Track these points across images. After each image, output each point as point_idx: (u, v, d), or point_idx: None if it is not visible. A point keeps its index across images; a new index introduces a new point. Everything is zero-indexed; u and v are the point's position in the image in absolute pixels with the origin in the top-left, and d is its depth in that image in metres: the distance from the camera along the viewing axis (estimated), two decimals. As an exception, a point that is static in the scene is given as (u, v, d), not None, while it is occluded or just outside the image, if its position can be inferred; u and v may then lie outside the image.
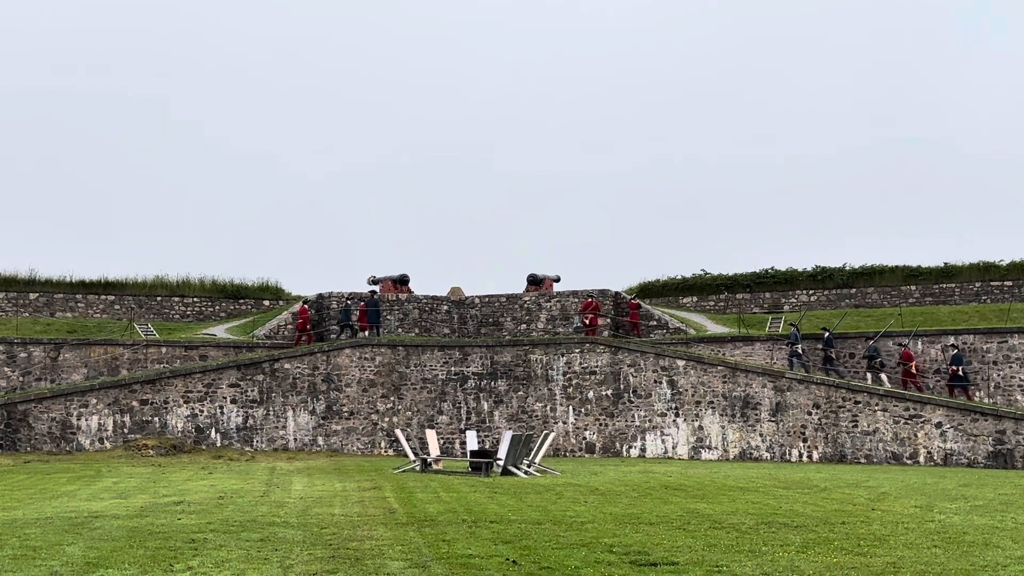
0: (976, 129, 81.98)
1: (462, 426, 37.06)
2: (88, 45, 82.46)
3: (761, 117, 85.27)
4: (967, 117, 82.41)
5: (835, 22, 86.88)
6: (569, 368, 37.08)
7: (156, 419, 34.77)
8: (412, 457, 28.13)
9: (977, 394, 34.37)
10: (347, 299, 39.78)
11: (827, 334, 35.82)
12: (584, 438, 36.61)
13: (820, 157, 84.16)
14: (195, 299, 42.09)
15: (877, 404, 33.23)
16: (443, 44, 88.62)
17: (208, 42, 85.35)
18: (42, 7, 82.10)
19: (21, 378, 35.22)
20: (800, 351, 35.25)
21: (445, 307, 41.52)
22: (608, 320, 39.48)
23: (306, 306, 39.36)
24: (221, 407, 35.49)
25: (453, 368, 37.74)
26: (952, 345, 34.84)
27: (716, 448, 35.11)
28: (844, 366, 36.01)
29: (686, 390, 35.68)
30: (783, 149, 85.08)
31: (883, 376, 34.73)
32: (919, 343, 35.43)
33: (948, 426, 32.34)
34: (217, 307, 42.49)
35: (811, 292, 42.82)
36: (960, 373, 34.12)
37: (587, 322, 38.33)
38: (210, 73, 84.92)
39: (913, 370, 34.39)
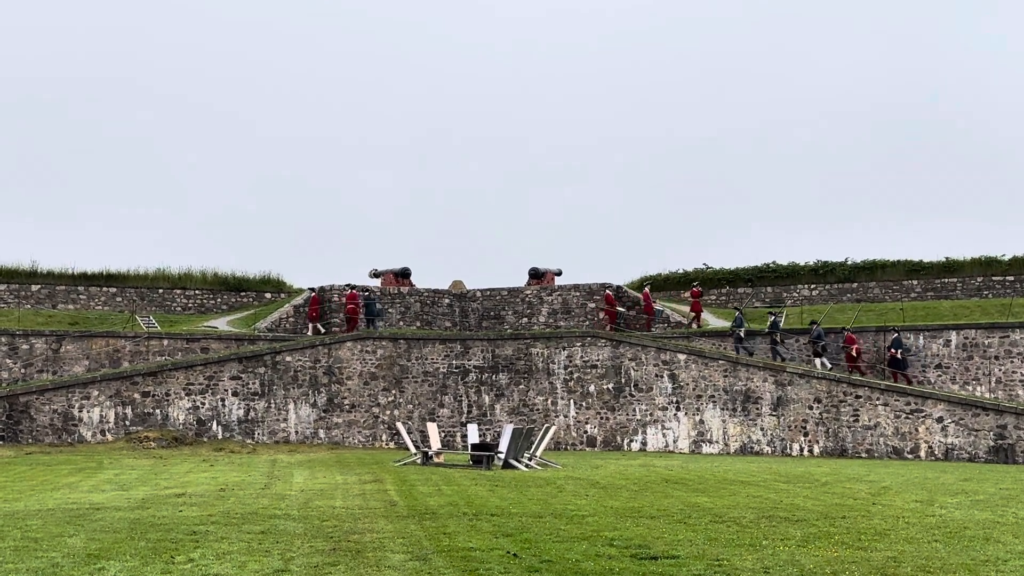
0: (980, 123, 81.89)
1: (463, 419, 37.08)
2: (93, 34, 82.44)
3: (762, 113, 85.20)
4: (970, 111, 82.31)
5: (832, 23, 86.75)
6: (570, 361, 37.09)
7: (158, 411, 34.80)
8: (413, 450, 28.15)
9: (980, 388, 34.36)
10: (366, 291, 39.84)
11: (774, 318, 36.65)
12: (585, 432, 36.62)
13: (821, 152, 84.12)
14: (197, 291, 42.06)
15: (878, 399, 33.23)
16: (441, 41, 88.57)
17: (213, 33, 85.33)
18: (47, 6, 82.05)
19: (23, 370, 35.24)
20: (742, 335, 36.06)
21: (447, 300, 41.52)
22: (632, 312, 39.69)
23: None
24: (223, 399, 35.52)
25: (454, 361, 37.75)
26: (893, 329, 35.33)
27: (717, 442, 35.12)
28: (787, 349, 36.44)
29: (687, 384, 35.68)
30: (785, 144, 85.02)
31: (821, 361, 35.20)
32: (920, 337, 35.42)
33: (949, 421, 32.34)
34: (219, 299, 42.47)
35: (812, 286, 42.80)
36: (898, 356, 34.55)
37: (606, 313, 38.77)
38: (215, 64, 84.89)
39: (854, 354, 34.93)
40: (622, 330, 38.80)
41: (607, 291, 39.79)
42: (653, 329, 38.62)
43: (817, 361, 35.28)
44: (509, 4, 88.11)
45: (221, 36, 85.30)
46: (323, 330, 38.74)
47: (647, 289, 40.30)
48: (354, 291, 39.29)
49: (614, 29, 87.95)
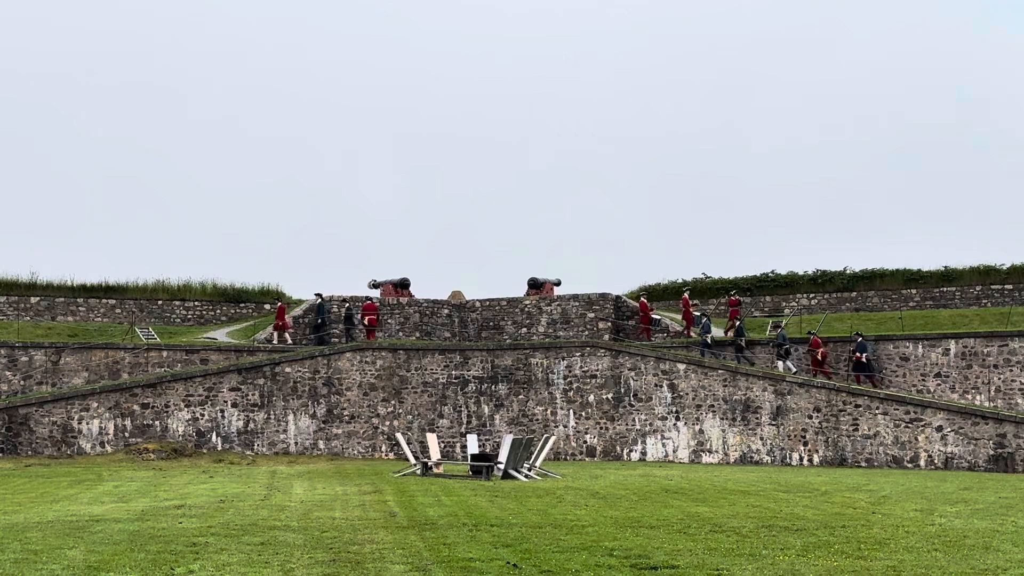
0: (980, 131, 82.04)
1: (463, 430, 37.05)
2: (93, 38, 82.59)
3: (761, 123, 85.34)
4: (969, 120, 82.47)
5: (832, 30, 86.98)
6: (570, 372, 37.08)
7: (157, 423, 34.78)
8: (413, 461, 28.13)
9: (980, 397, 34.36)
10: (346, 303, 39.85)
11: (738, 324, 37.26)
12: (585, 442, 36.60)
13: (820, 160, 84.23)
14: (196, 303, 42.09)
15: (878, 408, 33.23)
16: (442, 49, 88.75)
17: (218, 41, 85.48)
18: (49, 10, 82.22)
19: (22, 382, 35.23)
20: (708, 341, 36.54)
21: (446, 311, 41.53)
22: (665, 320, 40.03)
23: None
24: (222, 411, 35.51)
25: (454, 372, 37.75)
26: (858, 334, 35.58)
27: (716, 452, 35.10)
28: (754, 354, 36.87)
29: (687, 394, 35.68)
30: (784, 154, 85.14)
31: (784, 364, 35.72)
32: (919, 346, 35.43)
33: (949, 429, 32.33)
34: (218, 311, 42.50)
35: (812, 296, 42.86)
36: (864, 360, 34.79)
37: (641, 320, 39.22)
38: (219, 75, 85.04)
39: (819, 357, 35.23)
40: (622, 340, 38.82)
41: (641, 299, 40.03)
42: (653, 339, 38.71)
43: (780, 364, 35.78)
44: (512, 2, 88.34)
45: (220, 42, 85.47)
46: (289, 340, 38.62)
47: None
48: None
49: (615, 34, 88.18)
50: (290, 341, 38.61)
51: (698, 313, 38.57)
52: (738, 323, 37.45)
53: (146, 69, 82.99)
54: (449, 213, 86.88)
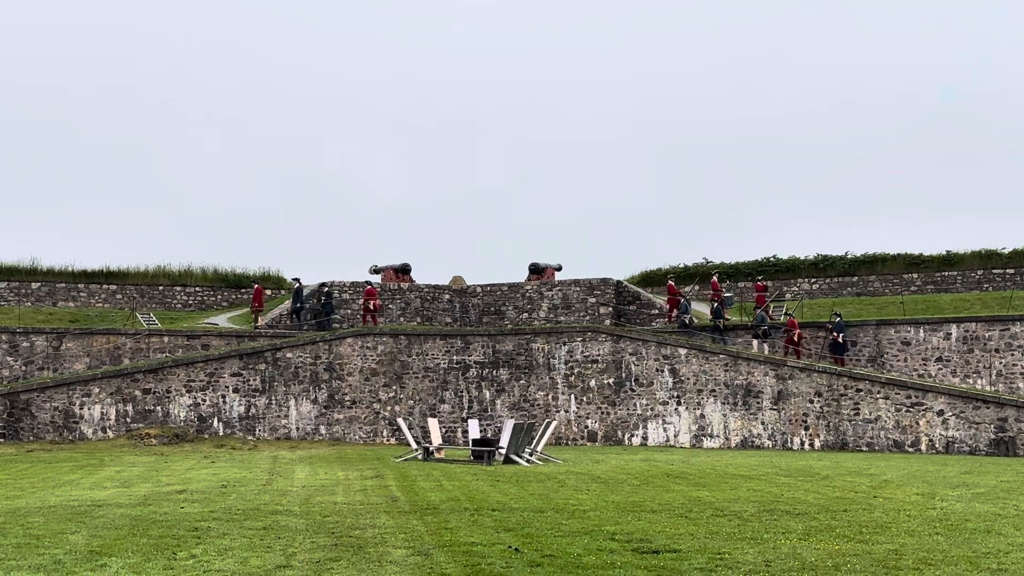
0: (980, 116, 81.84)
1: (464, 415, 37.10)
2: (90, 34, 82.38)
3: (761, 108, 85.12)
4: (970, 104, 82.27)
5: (834, 20, 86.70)
6: (571, 357, 37.09)
7: (159, 408, 34.82)
8: (414, 446, 28.16)
9: (981, 381, 34.36)
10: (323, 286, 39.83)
11: (716, 305, 37.83)
12: (586, 426, 36.63)
13: (821, 144, 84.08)
14: (197, 288, 42.08)
15: (879, 392, 33.24)
16: (442, 38, 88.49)
17: (209, 27, 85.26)
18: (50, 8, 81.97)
19: (24, 367, 35.26)
20: (688, 321, 37.24)
21: (447, 296, 41.52)
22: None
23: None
24: (223, 396, 35.53)
25: (455, 357, 37.76)
26: (836, 314, 35.95)
27: (718, 436, 35.14)
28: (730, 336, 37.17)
29: (688, 378, 35.69)
30: (784, 137, 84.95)
31: (758, 343, 36.11)
32: (921, 330, 35.40)
33: (950, 414, 32.34)
34: (219, 296, 42.49)
35: (813, 280, 42.81)
36: (839, 341, 35.14)
37: (668, 303, 39.18)
38: (213, 59, 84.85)
39: (796, 338, 35.62)
40: (623, 325, 38.78)
41: (669, 281, 40.04)
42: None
43: (755, 343, 36.22)
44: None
45: (217, 30, 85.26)
46: (262, 322, 38.43)
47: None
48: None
49: (614, 20, 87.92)
50: (266, 323, 38.40)
51: (682, 298, 38.69)
52: (718, 305, 37.76)
53: (146, 62, 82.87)
54: (450, 199, 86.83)
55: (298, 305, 39.02)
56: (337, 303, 39.84)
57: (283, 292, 42.76)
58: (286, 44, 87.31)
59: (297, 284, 39.57)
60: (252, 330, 37.51)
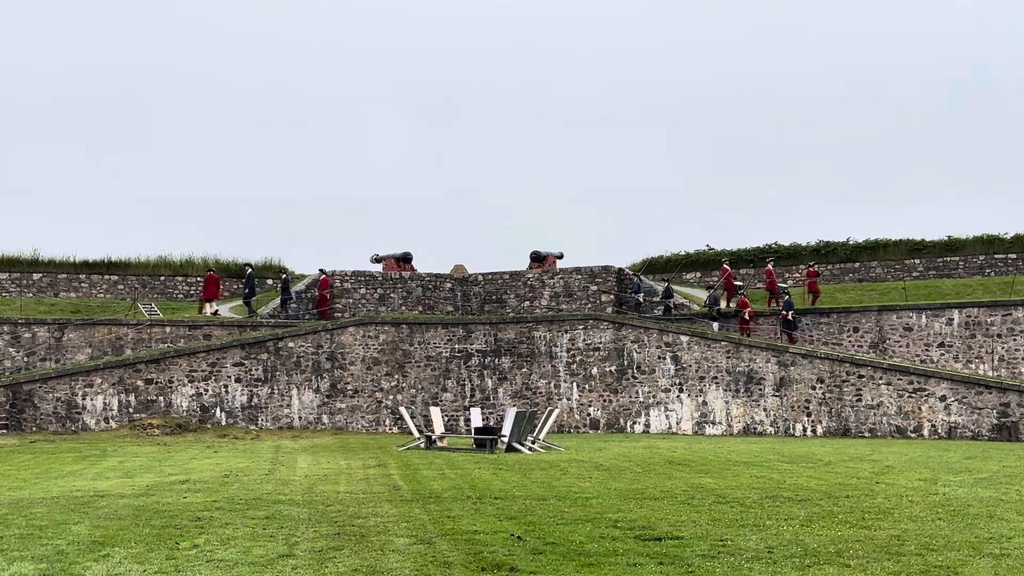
0: (983, 101, 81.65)
1: (466, 403, 37.12)
2: (91, 24, 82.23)
3: (764, 94, 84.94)
4: (973, 90, 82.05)
5: (841, 4, 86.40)
6: (573, 344, 37.08)
7: (161, 398, 34.84)
8: (416, 434, 28.18)
9: (983, 366, 34.35)
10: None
11: (667, 285, 38.97)
12: (588, 414, 36.65)
13: (823, 132, 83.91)
14: (199, 278, 42.04)
15: (881, 378, 33.23)
16: (441, 32, 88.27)
17: (212, 35, 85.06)
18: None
19: (26, 358, 35.27)
20: (640, 300, 38.49)
21: (448, 285, 41.50)
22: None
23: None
24: (226, 386, 35.55)
25: (457, 346, 37.76)
26: (785, 291, 36.98)
27: (720, 423, 35.15)
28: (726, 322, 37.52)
29: (690, 366, 35.68)
30: (787, 125, 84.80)
31: (715, 325, 36.84)
32: (923, 316, 35.37)
33: (952, 399, 32.34)
34: (220, 286, 42.41)
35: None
36: (790, 318, 35.72)
37: (726, 288, 39.47)
38: (212, 48, 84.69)
39: (747, 317, 36.29)
40: (624, 312, 38.78)
41: (724, 265, 40.52)
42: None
43: (715, 325, 36.75)
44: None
45: (217, 30, 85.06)
46: (216, 309, 38.17)
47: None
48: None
49: (624, 6, 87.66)
50: (216, 311, 38.07)
51: (635, 277, 39.97)
52: (667, 285, 38.99)
53: (145, 57, 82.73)
54: (451, 187, 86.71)
55: (248, 290, 38.61)
56: (339, 292, 39.79)
57: (275, 282, 42.65)
58: (287, 32, 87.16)
59: (249, 269, 39.27)
60: (206, 318, 37.03)
